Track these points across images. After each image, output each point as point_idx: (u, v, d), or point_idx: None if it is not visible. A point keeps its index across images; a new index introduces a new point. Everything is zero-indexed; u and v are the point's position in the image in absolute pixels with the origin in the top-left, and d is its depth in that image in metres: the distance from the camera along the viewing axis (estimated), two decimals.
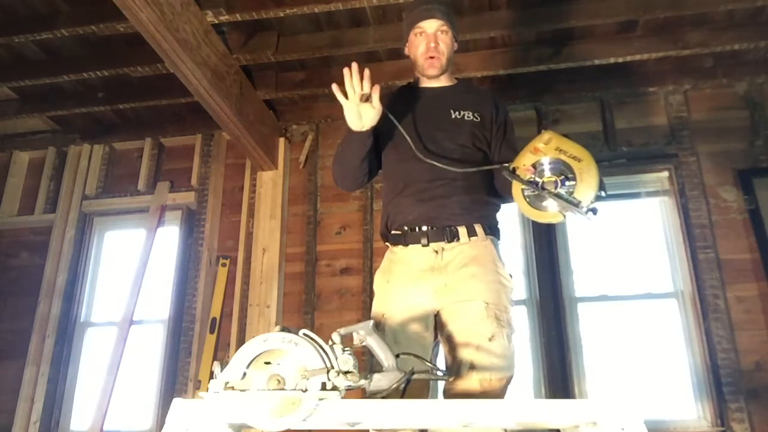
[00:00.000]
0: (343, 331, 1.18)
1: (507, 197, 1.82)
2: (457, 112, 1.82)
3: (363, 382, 1.14)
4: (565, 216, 1.49)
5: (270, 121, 3.46)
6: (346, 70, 1.58)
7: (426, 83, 1.92)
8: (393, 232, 1.79)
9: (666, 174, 3.20)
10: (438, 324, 1.71)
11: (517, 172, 1.52)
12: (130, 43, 2.97)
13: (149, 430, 3.15)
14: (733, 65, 3.22)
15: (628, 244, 3.20)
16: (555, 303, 2.99)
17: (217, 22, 2.74)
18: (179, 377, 3.16)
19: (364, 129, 1.64)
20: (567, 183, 1.45)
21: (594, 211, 1.44)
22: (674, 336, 2.97)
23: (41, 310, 3.40)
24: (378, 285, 1.79)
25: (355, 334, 1.26)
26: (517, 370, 1.67)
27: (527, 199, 1.52)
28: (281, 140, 3.52)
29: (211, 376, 1.08)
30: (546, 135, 1.52)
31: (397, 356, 1.27)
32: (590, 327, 3.03)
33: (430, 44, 1.83)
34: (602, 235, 3.24)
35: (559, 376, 2.87)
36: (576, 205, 1.42)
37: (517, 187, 1.54)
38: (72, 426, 3.29)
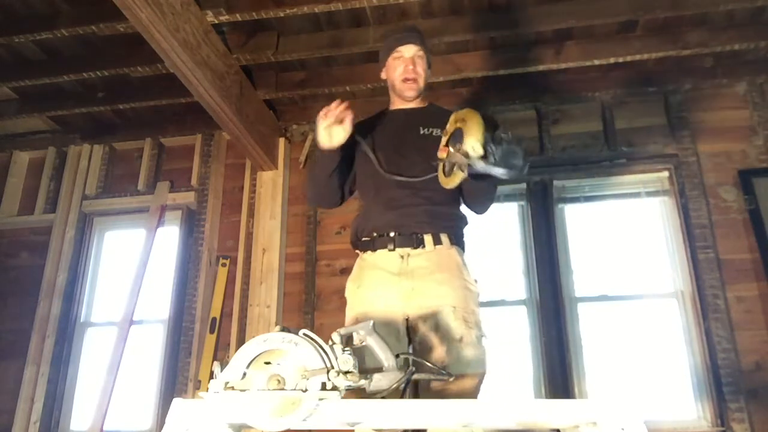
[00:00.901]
0: (343, 331, 1.17)
1: (474, 206, 1.89)
2: (426, 129, 1.90)
3: (363, 382, 1.14)
4: (465, 171, 1.55)
5: (270, 121, 3.46)
6: (337, 103, 1.70)
7: (399, 105, 2.01)
8: (363, 239, 1.85)
9: (666, 174, 3.20)
10: (410, 328, 1.75)
11: (439, 156, 1.64)
12: (130, 43, 2.96)
13: (149, 430, 3.15)
14: (733, 65, 3.23)
15: (628, 244, 3.20)
16: (555, 303, 2.99)
17: (217, 22, 2.74)
18: (179, 377, 3.16)
19: (333, 147, 1.74)
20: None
21: (486, 157, 1.47)
22: (674, 336, 2.97)
23: (41, 310, 3.40)
24: (350, 292, 1.84)
25: (355, 334, 1.26)
26: (489, 370, 1.69)
27: (446, 175, 1.64)
28: (281, 140, 3.52)
29: (211, 376, 1.08)
30: (452, 115, 1.61)
31: (397, 356, 1.27)
32: (590, 327, 3.03)
33: (408, 67, 1.93)
34: (602, 235, 3.24)
35: (559, 376, 2.87)
36: (467, 156, 1.49)
37: (440, 168, 1.66)
38: (72, 426, 3.29)
